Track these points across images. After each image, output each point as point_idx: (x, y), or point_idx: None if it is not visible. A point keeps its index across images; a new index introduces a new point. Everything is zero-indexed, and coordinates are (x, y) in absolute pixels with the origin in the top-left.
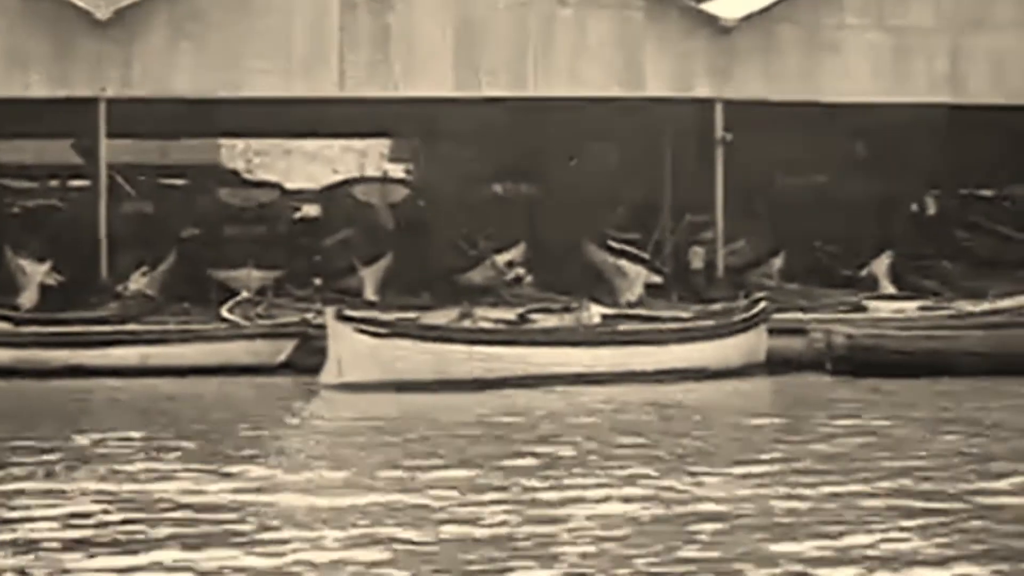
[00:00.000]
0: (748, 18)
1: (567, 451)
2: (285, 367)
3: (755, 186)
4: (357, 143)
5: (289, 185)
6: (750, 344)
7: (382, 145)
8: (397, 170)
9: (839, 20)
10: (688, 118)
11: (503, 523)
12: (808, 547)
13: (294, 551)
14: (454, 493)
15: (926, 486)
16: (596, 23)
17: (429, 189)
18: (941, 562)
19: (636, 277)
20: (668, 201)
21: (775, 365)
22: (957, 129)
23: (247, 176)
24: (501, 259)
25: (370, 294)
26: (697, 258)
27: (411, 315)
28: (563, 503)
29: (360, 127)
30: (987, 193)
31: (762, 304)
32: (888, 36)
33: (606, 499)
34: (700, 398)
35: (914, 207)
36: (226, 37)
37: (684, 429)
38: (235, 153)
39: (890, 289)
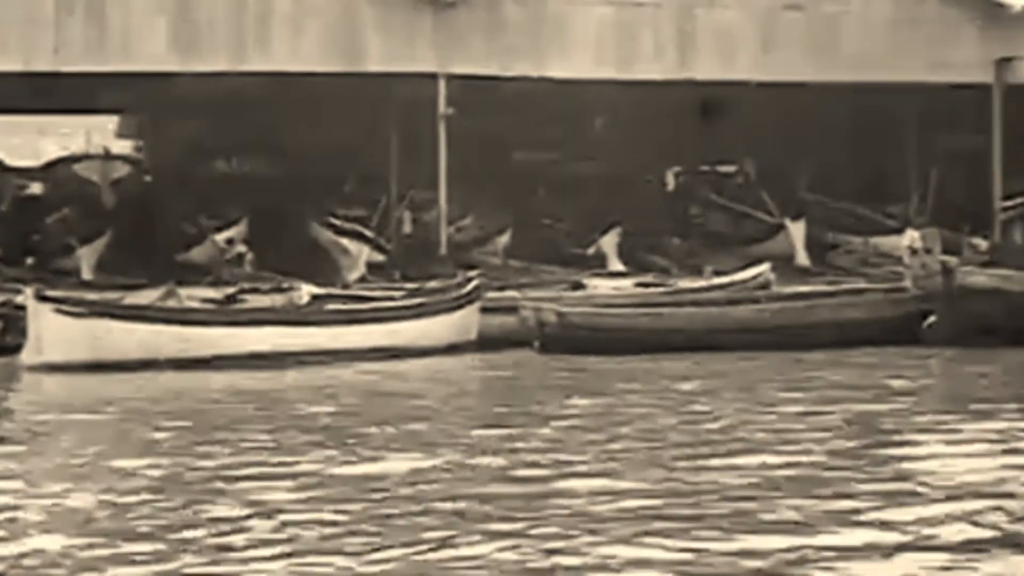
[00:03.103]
0: None
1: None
2: None
3: (486, 162)
4: (87, 119)
5: (10, 162)
6: (461, 322)
7: (110, 121)
8: (125, 146)
9: None
10: (415, 93)
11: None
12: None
13: None
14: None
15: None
16: None
17: (154, 166)
18: None
19: (359, 255)
20: (394, 178)
21: (488, 343)
22: (694, 105)
23: None
24: (222, 237)
25: (87, 273)
26: (407, 222)
27: (116, 294)
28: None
29: (87, 102)
30: (727, 169)
31: (475, 282)
32: (615, 11)
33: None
34: (374, 378)
35: (653, 183)
36: None
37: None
38: None
39: (618, 266)
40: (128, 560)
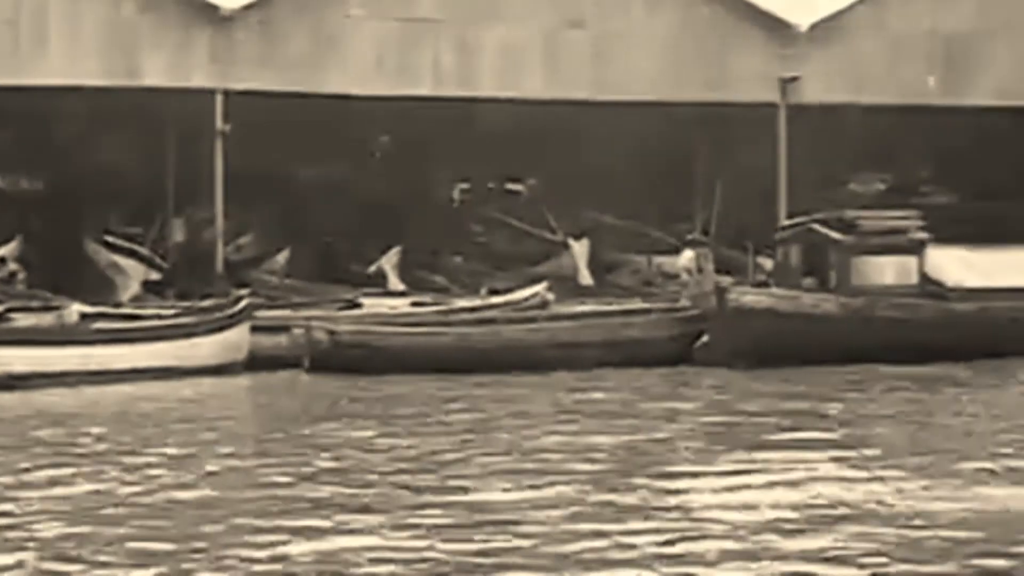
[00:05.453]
0: (249, 7)
1: None
2: None
3: (266, 179)
4: None
5: None
6: (230, 342)
7: None
8: None
9: (343, 10)
10: (192, 109)
11: None
12: None
13: None
14: None
15: None
16: (89, 11)
17: None
18: None
19: (134, 274)
20: (171, 195)
21: (260, 363)
22: (479, 121)
23: None
24: None
25: None
26: (178, 232)
27: None
28: None
29: None
30: (513, 186)
31: (245, 301)
32: (395, 27)
33: None
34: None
35: (437, 200)
36: None
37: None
38: None
39: (399, 285)
40: None
